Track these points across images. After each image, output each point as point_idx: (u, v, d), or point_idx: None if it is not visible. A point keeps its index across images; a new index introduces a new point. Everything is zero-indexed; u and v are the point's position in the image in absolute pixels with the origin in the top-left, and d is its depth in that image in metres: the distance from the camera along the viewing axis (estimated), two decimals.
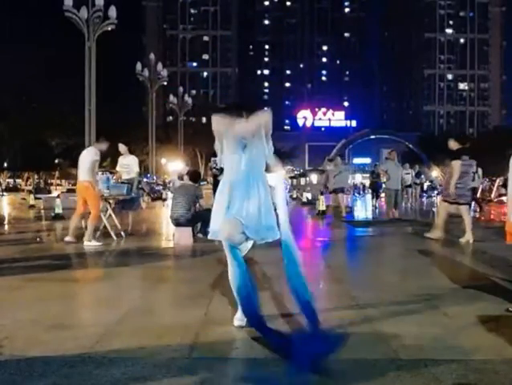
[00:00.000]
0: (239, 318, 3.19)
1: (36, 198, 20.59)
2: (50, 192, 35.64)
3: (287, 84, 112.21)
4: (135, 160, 8.73)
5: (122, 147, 8.70)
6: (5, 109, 38.65)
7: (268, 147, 3.13)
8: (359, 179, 61.58)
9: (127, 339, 2.94)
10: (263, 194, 3.05)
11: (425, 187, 25.90)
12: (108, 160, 29.18)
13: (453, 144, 7.77)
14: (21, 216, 14.41)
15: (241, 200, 3.01)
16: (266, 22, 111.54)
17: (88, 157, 7.23)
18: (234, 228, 2.97)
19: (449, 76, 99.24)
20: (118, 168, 8.77)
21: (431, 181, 29.03)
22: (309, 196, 20.80)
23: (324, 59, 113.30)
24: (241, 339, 3.01)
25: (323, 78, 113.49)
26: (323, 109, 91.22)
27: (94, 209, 7.26)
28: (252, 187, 3.04)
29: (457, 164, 7.39)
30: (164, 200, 21.95)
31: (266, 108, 3.21)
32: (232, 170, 3.08)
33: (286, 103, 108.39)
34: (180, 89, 35.52)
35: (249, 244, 3.20)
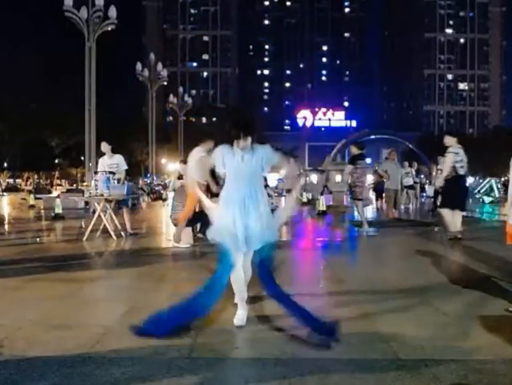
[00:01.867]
0: (239, 318, 3.22)
1: (36, 198, 20.60)
2: (50, 192, 35.68)
3: (287, 84, 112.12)
4: (122, 159, 8.50)
5: (105, 147, 8.41)
6: (5, 109, 38.64)
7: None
8: None
9: (127, 339, 2.93)
10: (263, 209, 3.18)
11: (427, 187, 25.69)
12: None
13: (354, 150, 9.22)
14: (21, 216, 14.41)
15: (241, 214, 3.11)
16: (266, 22, 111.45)
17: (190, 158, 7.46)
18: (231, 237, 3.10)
19: (449, 76, 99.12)
20: (101, 168, 8.35)
21: (431, 182, 28.90)
22: (309, 196, 20.82)
23: (324, 59, 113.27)
24: (241, 339, 3.02)
25: (323, 78, 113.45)
26: (323, 109, 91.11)
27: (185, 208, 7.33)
28: (252, 201, 3.15)
29: (348, 168, 9.07)
30: (164, 200, 21.95)
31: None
32: (232, 183, 3.21)
33: (286, 103, 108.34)
34: (180, 89, 35.48)
35: (250, 254, 3.28)
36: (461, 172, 7.31)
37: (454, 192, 7.43)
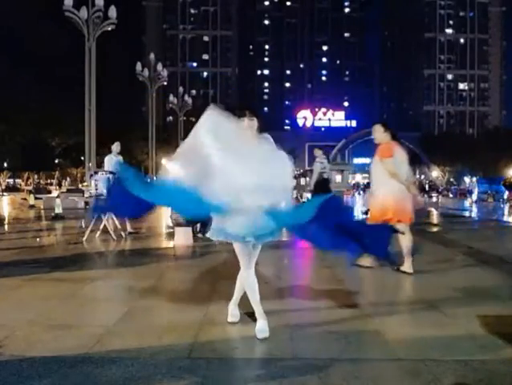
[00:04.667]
0: (262, 329, 3.01)
1: (36, 198, 20.58)
2: (50, 192, 35.67)
3: (287, 84, 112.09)
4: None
5: (118, 147, 8.83)
6: (5, 109, 38.63)
7: None
8: (359, 179, 61.54)
9: (127, 339, 2.94)
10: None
11: (427, 187, 25.77)
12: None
13: None
14: (21, 216, 14.41)
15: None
16: (266, 22, 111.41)
17: None
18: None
19: (449, 76, 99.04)
20: (107, 166, 8.50)
21: (430, 181, 28.93)
22: (309, 196, 20.81)
23: (324, 59, 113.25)
24: (241, 339, 3.01)
25: (323, 78, 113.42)
26: (323, 109, 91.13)
27: None
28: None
29: None
30: None
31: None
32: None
33: (286, 103, 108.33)
34: (181, 89, 35.44)
35: (257, 250, 3.12)
36: (325, 176, 9.57)
37: (323, 192, 9.01)
